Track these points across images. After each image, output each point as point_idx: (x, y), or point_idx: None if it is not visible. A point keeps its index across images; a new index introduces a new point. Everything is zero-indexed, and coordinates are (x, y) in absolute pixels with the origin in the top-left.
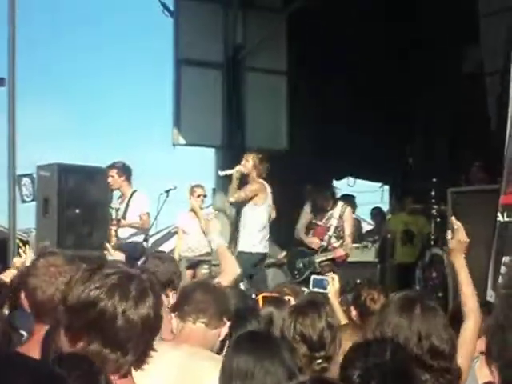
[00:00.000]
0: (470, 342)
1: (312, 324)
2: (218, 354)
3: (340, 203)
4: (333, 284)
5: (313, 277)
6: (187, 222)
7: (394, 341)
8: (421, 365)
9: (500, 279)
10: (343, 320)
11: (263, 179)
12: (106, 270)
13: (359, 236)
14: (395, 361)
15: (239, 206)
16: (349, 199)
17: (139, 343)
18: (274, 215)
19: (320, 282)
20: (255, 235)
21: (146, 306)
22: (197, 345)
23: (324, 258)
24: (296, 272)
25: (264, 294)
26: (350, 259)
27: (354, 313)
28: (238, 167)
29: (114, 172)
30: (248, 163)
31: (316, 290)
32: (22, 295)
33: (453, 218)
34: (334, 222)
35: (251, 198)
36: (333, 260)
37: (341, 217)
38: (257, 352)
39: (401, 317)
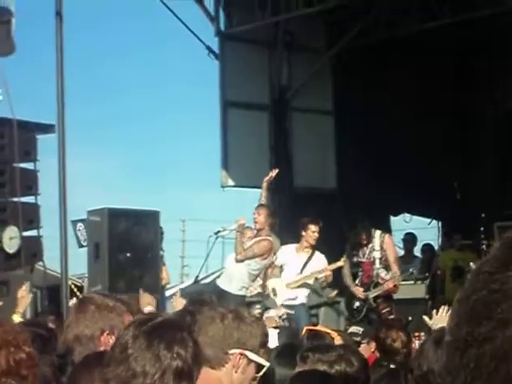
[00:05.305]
0: None
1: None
2: None
3: (377, 233)
4: None
5: None
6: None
7: None
8: None
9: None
10: None
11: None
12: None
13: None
14: None
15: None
16: (410, 236)
17: None
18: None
19: None
20: (247, 283)
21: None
22: None
23: (377, 294)
24: (355, 311)
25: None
26: (401, 296)
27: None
28: (239, 222)
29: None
30: (260, 217)
31: None
32: None
33: None
34: (376, 255)
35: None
36: (387, 295)
37: (381, 247)
38: None
39: (435, 352)
